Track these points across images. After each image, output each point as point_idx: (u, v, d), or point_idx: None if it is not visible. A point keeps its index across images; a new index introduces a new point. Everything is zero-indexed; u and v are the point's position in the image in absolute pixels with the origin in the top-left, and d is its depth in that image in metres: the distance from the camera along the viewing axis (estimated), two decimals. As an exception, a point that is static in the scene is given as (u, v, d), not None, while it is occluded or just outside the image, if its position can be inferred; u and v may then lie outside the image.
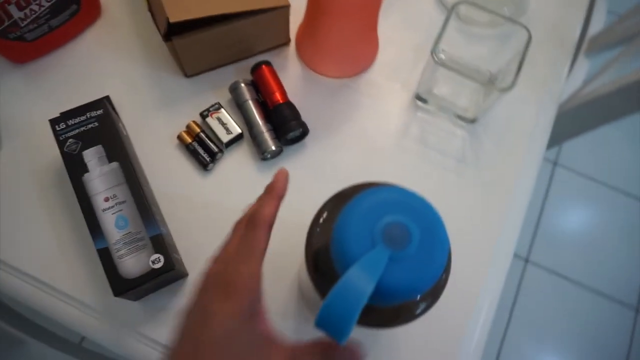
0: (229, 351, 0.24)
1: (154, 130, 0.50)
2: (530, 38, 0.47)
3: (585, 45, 0.81)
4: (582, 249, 1.28)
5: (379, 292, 0.23)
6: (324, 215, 0.30)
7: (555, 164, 1.36)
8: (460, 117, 0.53)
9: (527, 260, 1.25)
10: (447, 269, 0.30)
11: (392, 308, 0.29)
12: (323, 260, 0.29)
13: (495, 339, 1.18)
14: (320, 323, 0.23)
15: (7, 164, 0.48)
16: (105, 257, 0.40)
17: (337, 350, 0.26)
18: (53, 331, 0.67)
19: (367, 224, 0.24)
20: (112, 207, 0.41)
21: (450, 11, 0.49)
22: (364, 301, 0.22)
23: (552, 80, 0.57)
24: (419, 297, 0.29)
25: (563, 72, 0.59)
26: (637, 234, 1.30)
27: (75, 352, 0.72)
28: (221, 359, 0.24)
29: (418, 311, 0.29)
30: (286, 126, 0.48)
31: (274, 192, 0.30)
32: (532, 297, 1.22)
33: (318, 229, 0.30)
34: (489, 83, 0.53)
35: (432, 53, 0.46)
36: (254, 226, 0.28)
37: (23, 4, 0.46)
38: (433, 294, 0.29)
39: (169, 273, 0.40)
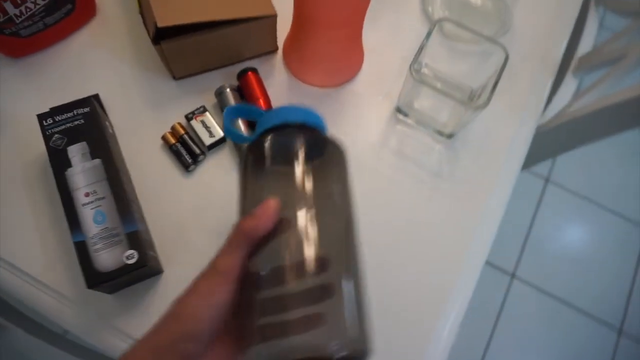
0: None
1: (140, 130, 0.52)
2: (506, 58, 0.49)
3: (574, 64, 0.82)
4: (569, 267, 1.29)
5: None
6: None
7: (547, 180, 1.38)
8: (438, 132, 0.54)
9: (513, 276, 1.26)
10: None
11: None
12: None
13: (478, 351, 1.19)
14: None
15: (-4, 155, 0.50)
16: (82, 250, 0.41)
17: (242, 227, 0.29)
18: (36, 320, 0.68)
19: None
20: (92, 202, 0.43)
21: (432, 27, 0.50)
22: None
23: (532, 97, 0.59)
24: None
25: (544, 90, 0.60)
26: (625, 255, 1.30)
27: (58, 343, 0.73)
28: None
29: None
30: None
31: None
32: (517, 313, 1.23)
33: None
34: (466, 100, 0.54)
35: (410, 68, 0.47)
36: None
37: (19, 1, 0.48)
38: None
39: (143, 269, 0.42)
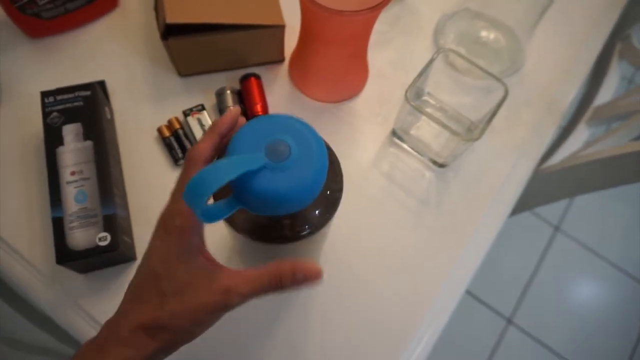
0: (167, 282, 0.27)
1: (138, 119, 0.53)
2: (505, 95, 0.48)
3: (589, 113, 0.81)
4: (569, 320, 1.24)
5: (268, 199, 0.25)
6: None
7: (556, 229, 1.34)
8: (432, 160, 0.54)
9: (509, 321, 1.23)
10: (335, 183, 0.31)
11: (289, 218, 0.30)
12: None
13: (462, 394, 1.16)
14: (185, 196, 0.24)
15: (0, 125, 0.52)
16: (58, 225, 0.42)
17: (289, 278, 0.27)
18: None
19: (253, 143, 0.26)
20: (76, 181, 0.44)
21: (434, 55, 0.50)
22: (224, 178, 0.24)
23: (532, 141, 0.58)
24: (307, 206, 0.29)
25: (546, 136, 0.59)
26: (628, 316, 1.25)
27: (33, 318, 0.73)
28: (160, 287, 0.27)
29: (315, 221, 0.30)
30: (259, 137, 0.50)
31: (214, 128, 0.29)
32: (508, 359, 1.19)
33: None
34: (462, 131, 0.54)
35: (405, 93, 0.47)
36: (188, 163, 0.29)
37: (43, -16, 0.50)
38: (325, 206, 0.31)
39: (114, 253, 0.43)
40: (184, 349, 0.29)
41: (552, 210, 1.35)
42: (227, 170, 0.24)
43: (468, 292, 1.23)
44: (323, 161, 0.26)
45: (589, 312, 1.26)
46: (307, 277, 0.27)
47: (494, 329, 1.22)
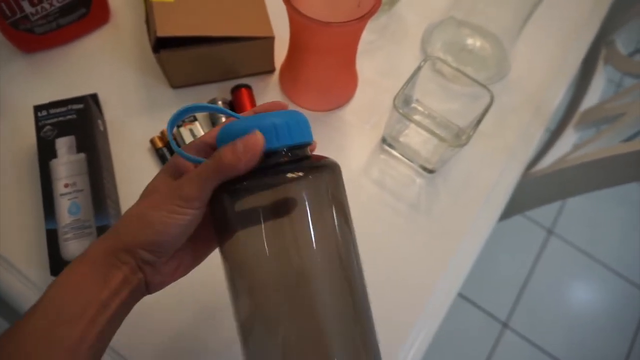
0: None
1: (131, 131, 0.54)
2: (491, 102, 0.49)
3: (576, 118, 0.82)
4: (564, 323, 1.25)
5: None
6: None
7: (550, 232, 1.35)
8: (421, 166, 0.55)
9: (505, 325, 1.23)
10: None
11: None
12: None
13: (460, 399, 1.16)
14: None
15: (-6, 139, 0.52)
16: (52, 237, 0.43)
17: (228, 151, 0.27)
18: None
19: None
20: (70, 193, 0.45)
21: (422, 63, 0.51)
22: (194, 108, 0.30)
23: (520, 146, 0.59)
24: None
25: (534, 140, 0.60)
26: (624, 318, 1.26)
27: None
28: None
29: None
30: (251, 147, 0.51)
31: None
32: (505, 363, 1.20)
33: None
34: (450, 137, 0.55)
35: (393, 101, 0.48)
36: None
37: (35, 1, 0.51)
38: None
39: (108, 263, 0.43)
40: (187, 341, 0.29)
41: (544, 213, 1.36)
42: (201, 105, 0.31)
43: (463, 297, 1.24)
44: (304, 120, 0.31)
45: (584, 314, 1.26)
46: (246, 145, 0.26)
47: (490, 332, 1.22)
